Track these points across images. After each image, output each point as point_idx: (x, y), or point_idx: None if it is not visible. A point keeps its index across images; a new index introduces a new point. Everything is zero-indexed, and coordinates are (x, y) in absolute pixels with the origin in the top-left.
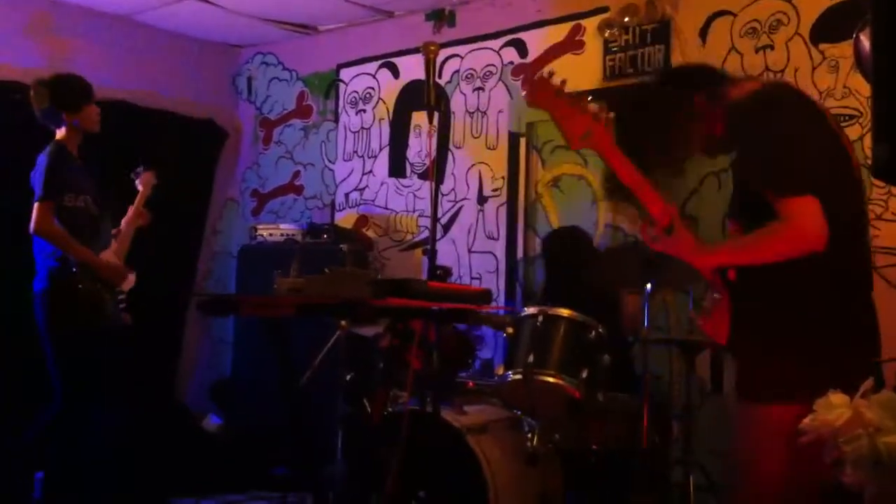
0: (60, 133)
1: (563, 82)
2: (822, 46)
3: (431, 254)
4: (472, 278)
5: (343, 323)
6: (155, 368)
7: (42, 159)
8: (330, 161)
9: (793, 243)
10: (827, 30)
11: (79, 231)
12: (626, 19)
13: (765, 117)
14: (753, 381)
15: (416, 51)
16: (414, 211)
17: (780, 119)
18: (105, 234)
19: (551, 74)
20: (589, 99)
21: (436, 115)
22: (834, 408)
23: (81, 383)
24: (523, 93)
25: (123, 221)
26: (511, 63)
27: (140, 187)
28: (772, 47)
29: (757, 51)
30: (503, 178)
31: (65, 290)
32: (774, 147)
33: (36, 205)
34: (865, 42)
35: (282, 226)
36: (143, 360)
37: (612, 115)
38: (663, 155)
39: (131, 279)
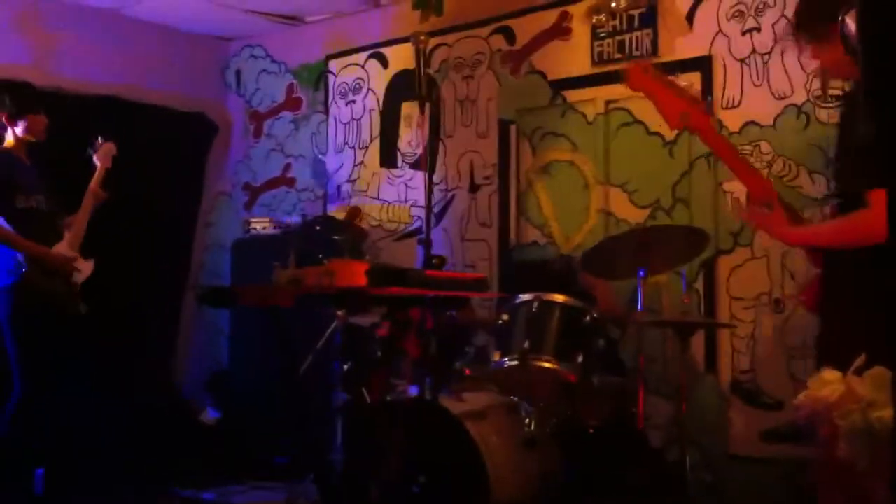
0: (7, 138)
1: (661, 67)
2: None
3: (426, 243)
4: (465, 266)
5: (341, 312)
6: (152, 362)
7: None
8: (321, 153)
9: (874, 232)
10: (812, 10)
11: (33, 230)
12: (613, 4)
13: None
14: (839, 347)
15: (404, 40)
16: (406, 201)
17: None
18: (61, 230)
19: (649, 62)
20: (685, 82)
21: (427, 104)
22: (827, 384)
23: (40, 374)
24: (623, 78)
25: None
26: (499, 50)
27: (97, 161)
28: (758, 30)
29: (744, 33)
30: (494, 165)
31: (19, 285)
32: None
33: None
34: (851, 24)
35: (275, 218)
36: (139, 353)
37: (709, 99)
38: None
39: (87, 267)
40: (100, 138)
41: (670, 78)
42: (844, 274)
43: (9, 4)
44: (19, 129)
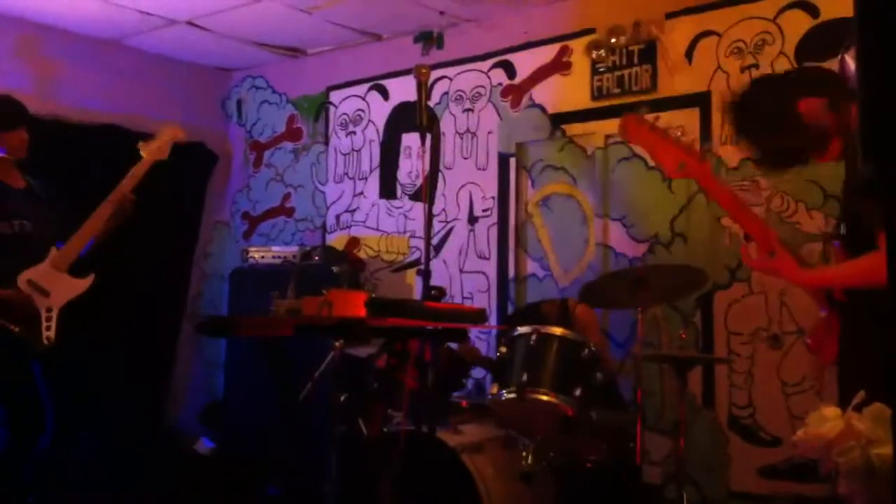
0: None
1: (657, 118)
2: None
3: (425, 274)
4: (463, 298)
5: (338, 343)
6: (147, 391)
7: None
8: (320, 183)
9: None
10: (812, 48)
11: (10, 254)
12: (613, 40)
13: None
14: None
15: (405, 73)
16: (405, 232)
17: None
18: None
19: (644, 111)
20: (679, 132)
21: (427, 136)
22: (826, 420)
23: (15, 411)
24: (618, 130)
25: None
26: (500, 84)
27: (145, 153)
28: (757, 66)
29: (742, 70)
30: (493, 198)
31: None
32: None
33: None
34: (850, 62)
35: (273, 248)
36: (134, 382)
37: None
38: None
39: (70, 288)
40: (163, 129)
41: (665, 128)
42: (859, 315)
43: (11, 32)
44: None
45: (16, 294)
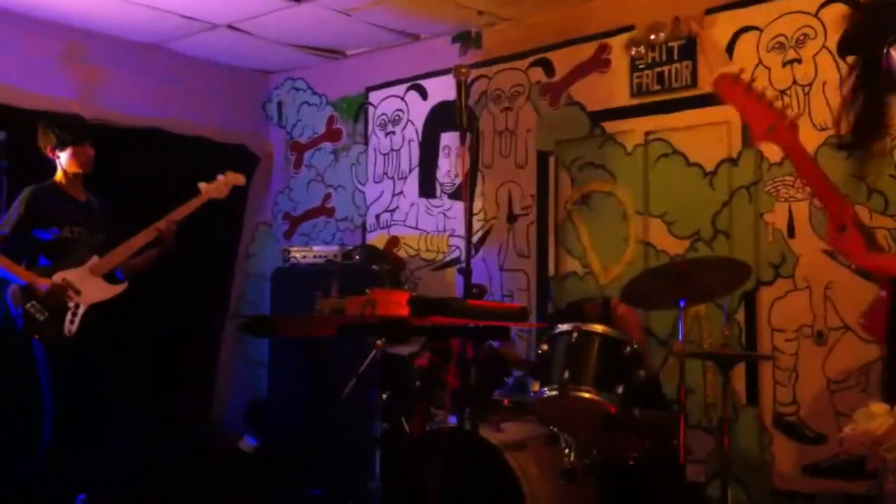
0: (58, 171)
1: (753, 79)
2: (850, 59)
3: (466, 273)
4: (503, 296)
5: (379, 342)
6: (192, 390)
7: None
8: (360, 183)
9: None
10: (854, 43)
11: (60, 257)
12: (653, 37)
13: None
14: None
15: (443, 73)
16: (444, 231)
17: None
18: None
19: (741, 71)
20: (778, 97)
21: (467, 135)
22: (874, 417)
23: (65, 407)
24: (711, 87)
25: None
26: (538, 82)
27: (203, 189)
28: (799, 61)
29: (784, 65)
30: (532, 196)
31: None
32: None
33: None
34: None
35: (314, 248)
36: (179, 381)
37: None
38: None
39: (101, 291)
40: (226, 174)
41: (762, 90)
42: None
43: (57, 40)
44: (63, 161)
45: (50, 286)
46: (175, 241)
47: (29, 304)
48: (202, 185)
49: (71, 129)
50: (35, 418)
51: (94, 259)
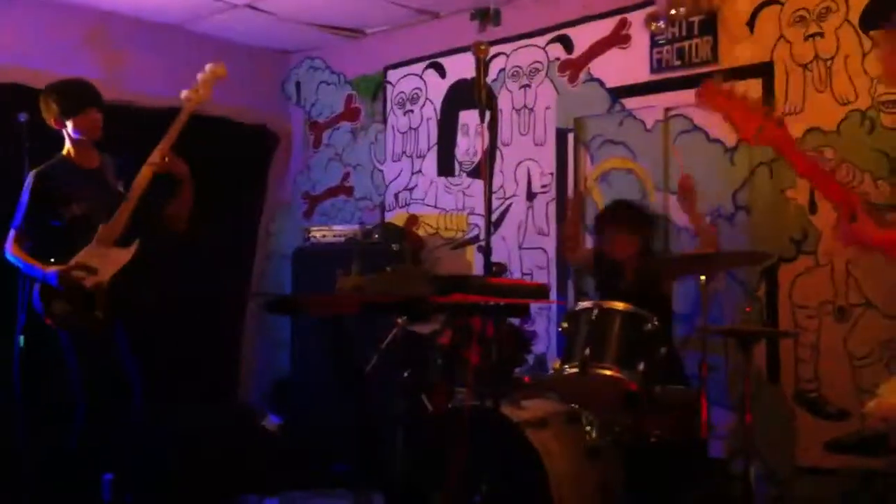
0: (66, 143)
1: (733, 85)
2: (873, 34)
3: (486, 251)
4: (523, 274)
5: (400, 320)
6: (216, 369)
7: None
8: (379, 162)
9: None
10: (877, 16)
11: (77, 240)
12: (673, 12)
13: None
14: None
15: (462, 50)
16: (463, 209)
17: None
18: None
19: (720, 79)
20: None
21: (486, 113)
22: None
23: (93, 387)
24: (696, 101)
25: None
26: (557, 59)
27: (185, 99)
28: (821, 35)
29: (806, 38)
30: (551, 174)
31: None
32: None
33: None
34: None
35: (334, 227)
36: (204, 360)
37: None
38: None
39: (115, 260)
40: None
41: (742, 94)
42: None
43: (80, 22)
44: (70, 130)
45: (58, 277)
46: (187, 168)
47: (53, 305)
48: (183, 94)
49: (72, 96)
50: (69, 398)
51: (101, 228)
